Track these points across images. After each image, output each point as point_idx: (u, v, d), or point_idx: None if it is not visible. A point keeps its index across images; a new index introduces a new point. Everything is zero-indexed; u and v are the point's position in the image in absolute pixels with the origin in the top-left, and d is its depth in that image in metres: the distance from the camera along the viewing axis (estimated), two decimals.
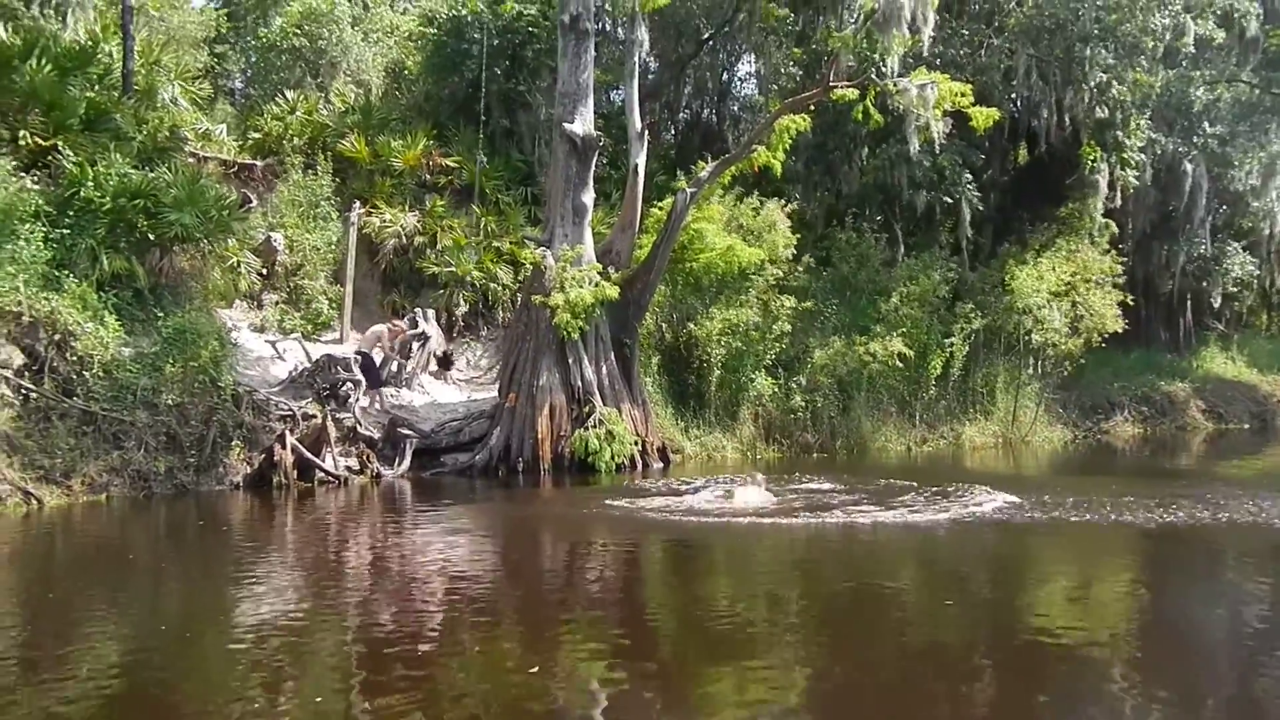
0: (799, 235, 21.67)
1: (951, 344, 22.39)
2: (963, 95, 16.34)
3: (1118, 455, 22.79)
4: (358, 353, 17.64)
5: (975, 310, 22.78)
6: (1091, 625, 7.78)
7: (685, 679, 6.59)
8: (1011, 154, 27.93)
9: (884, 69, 17.61)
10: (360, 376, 16.99)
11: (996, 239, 26.44)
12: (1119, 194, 25.38)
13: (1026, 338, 23.77)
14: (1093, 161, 24.62)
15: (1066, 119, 24.51)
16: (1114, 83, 23.57)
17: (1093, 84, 23.41)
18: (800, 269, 21.40)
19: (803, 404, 20.70)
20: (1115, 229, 25.75)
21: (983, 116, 16.56)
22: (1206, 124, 28.13)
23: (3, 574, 9.77)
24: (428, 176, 23.03)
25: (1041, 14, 23.74)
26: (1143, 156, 25.20)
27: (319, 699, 6.08)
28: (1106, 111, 24.09)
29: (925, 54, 19.76)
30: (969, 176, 24.35)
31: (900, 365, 21.40)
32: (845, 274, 23.41)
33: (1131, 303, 24.94)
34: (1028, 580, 9.75)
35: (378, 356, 17.97)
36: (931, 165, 23.75)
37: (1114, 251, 24.91)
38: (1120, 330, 24.47)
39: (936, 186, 24.41)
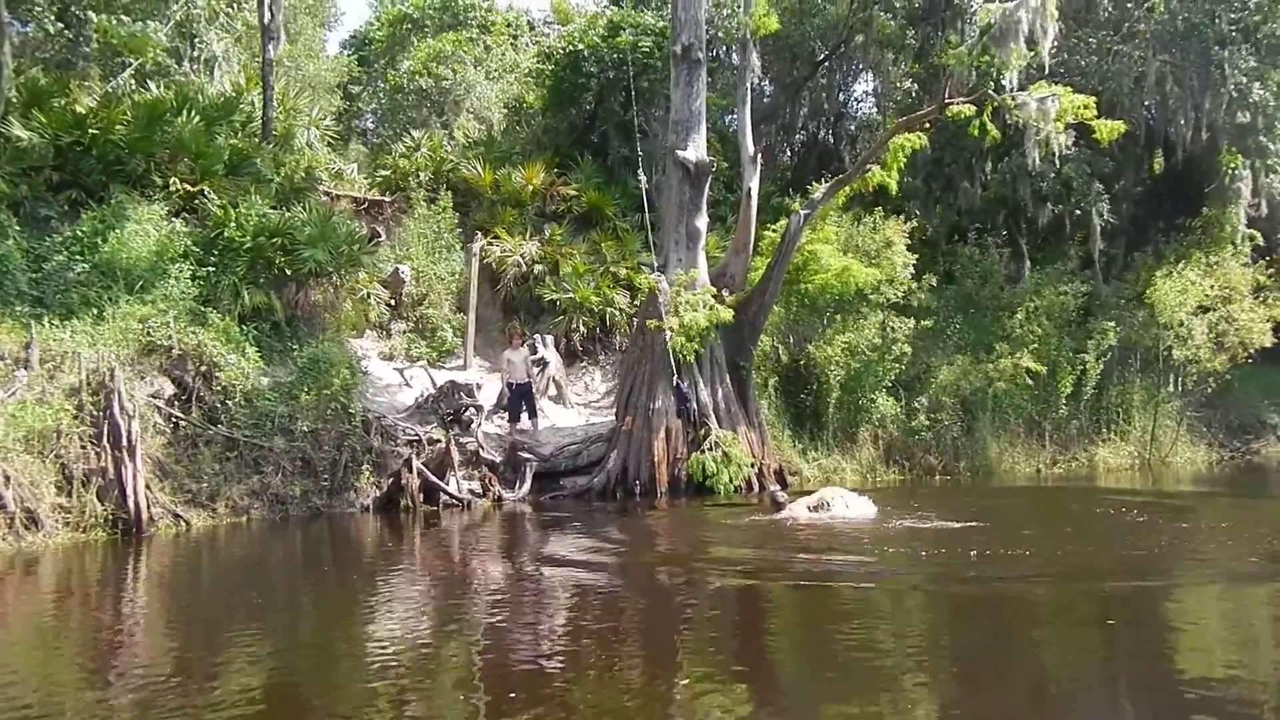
0: (919, 254, 21.33)
1: (1084, 361, 21.59)
2: (1085, 108, 15.78)
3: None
4: (521, 385, 17.82)
5: (1109, 326, 21.95)
6: None
7: (814, 706, 6.53)
8: (1146, 163, 26.81)
9: (1003, 83, 17.21)
10: (481, 402, 17.51)
11: (1130, 251, 25.40)
12: (1264, 202, 24.04)
13: (1166, 353, 22.73)
14: (1233, 169, 23.42)
15: (1204, 125, 23.40)
16: (1255, 86, 22.40)
17: (1232, 88, 22.29)
18: (918, 288, 21.00)
19: (925, 425, 20.29)
20: (1260, 238, 24.37)
21: (1107, 129, 15.95)
22: None
23: (159, 591, 10.47)
24: (547, 206, 23.69)
25: (1174, 19, 22.76)
26: None
27: (447, 713, 6.32)
28: (1248, 116, 22.88)
29: (1048, 65, 19.22)
30: (1099, 187, 23.51)
31: (1029, 384, 20.78)
32: (968, 291, 22.91)
33: None
34: None
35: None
36: (1058, 177, 23.05)
37: (1260, 262, 23.62)
38: (1270, 344, 23.16)
39: (1064, 199, 23.66)
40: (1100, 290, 23.60)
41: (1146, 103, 24.27)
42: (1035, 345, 21.14)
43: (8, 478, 11.65)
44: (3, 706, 6.18)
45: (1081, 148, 21.84)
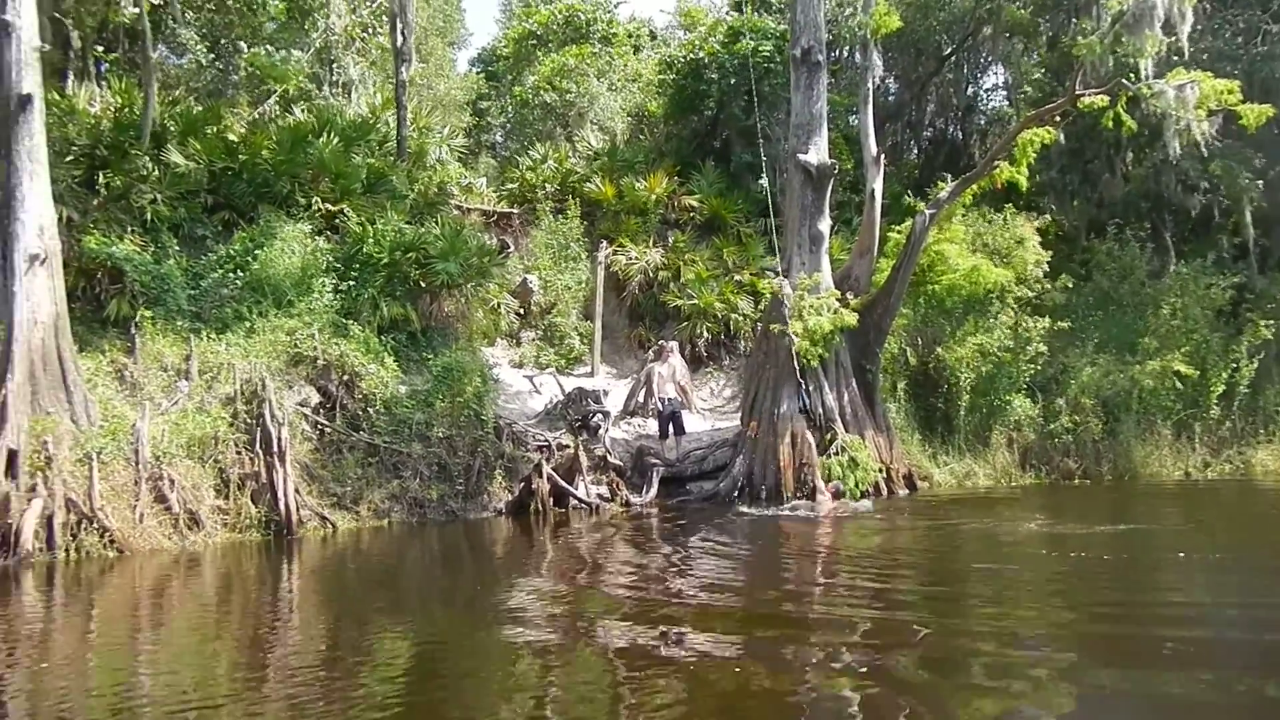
0: (1056, 250, 20.60)
1: (1237, 358, 20.44)
2: (1229, 93, 14.98)
3: None
4: (672, 400, 18.26)
5: (1266, 320, 20.72)
6: None
7: (945, 692, 6.52)
8: None
9: (1140, 70, 16.49)
10: (608, 408, 17.79)
11: None
12: None
13: None
14: None
15: None
16: None
17: None
18: (1053, 286, 20.23)
19: (1064, 428, 19.58)
20: None
21: (1254, 114, 15.07)
22: None
23: (310, 588, 11.03)
24: (671, 213, 23.92)
25: None
26: None
27: (580, 705, 6.51)
28: None
29: (1187, 50, 18.34)
30: (1250, 175, 22.21)
31: (1177, 383, 19.79)
32: (1106, 288, 21.97)
33: None
34: None
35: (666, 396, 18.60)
36: (1204, 166, 21.89)
37: None
38: None
39: (1213, 188, 22.46)
40: (1256, 283, 22.32)
41: None
42: (1184, 345, 20.13)
43: (172, 481, 12.53)
44: (170, 684, 6.72)
45: (1232, 134, 20.70)
